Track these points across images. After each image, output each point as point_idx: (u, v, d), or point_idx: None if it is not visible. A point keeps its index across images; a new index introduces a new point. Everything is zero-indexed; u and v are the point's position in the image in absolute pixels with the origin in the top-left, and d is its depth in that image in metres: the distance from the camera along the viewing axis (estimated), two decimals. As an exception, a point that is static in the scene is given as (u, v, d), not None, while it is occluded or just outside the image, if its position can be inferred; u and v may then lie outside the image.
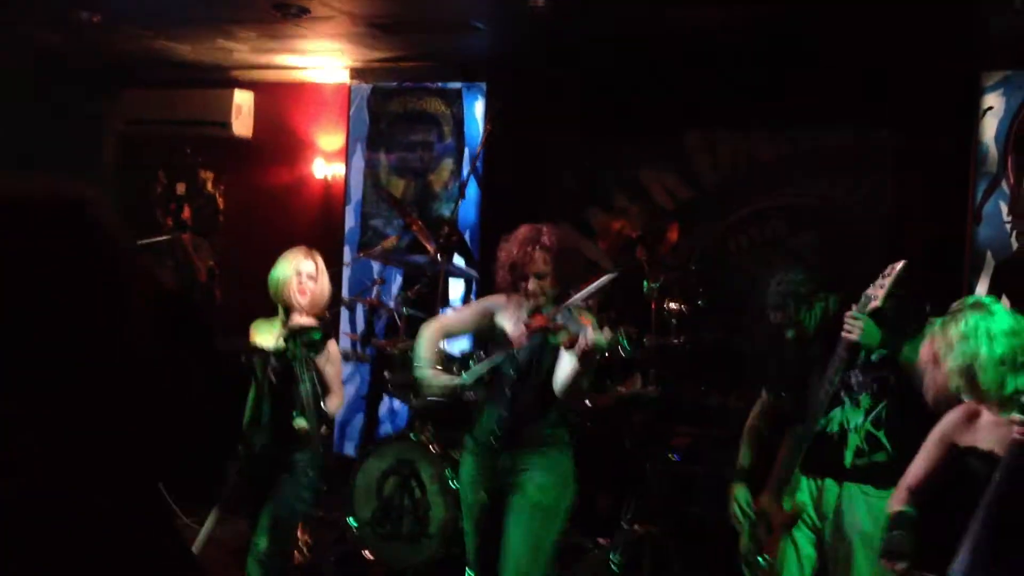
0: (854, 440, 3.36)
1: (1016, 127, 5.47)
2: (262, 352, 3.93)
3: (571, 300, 3.41)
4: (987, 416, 2.69)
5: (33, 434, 1.64)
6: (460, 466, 3.68)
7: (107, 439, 1.73)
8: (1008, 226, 5.51)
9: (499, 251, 3.59)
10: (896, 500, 2.86)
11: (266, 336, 3.98)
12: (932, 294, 5.44)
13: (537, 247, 3.45)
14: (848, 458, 3.36)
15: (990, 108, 5.53)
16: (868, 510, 3.28)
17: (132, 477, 1.79)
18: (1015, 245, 5.48)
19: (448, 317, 3.89)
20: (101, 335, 1.70)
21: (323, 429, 3.97)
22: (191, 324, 1.96)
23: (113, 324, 1.71)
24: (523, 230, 3.54)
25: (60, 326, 1.64)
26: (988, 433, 2.66)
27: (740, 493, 3.60)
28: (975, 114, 5.55)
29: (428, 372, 3.59)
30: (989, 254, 5.53)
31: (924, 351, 2.78)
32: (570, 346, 3.25)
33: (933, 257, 5.55)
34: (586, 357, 3.19)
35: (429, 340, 3.65)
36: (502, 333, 3.57)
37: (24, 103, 7.27)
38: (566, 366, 3.35)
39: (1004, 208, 5.52)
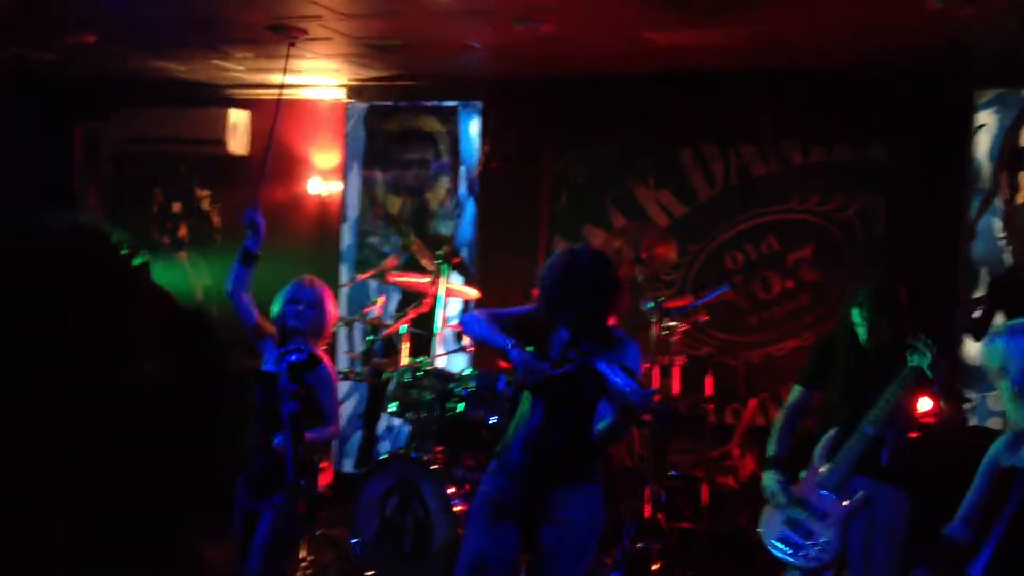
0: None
1: (1008, 144, 5.55)
2: (263, 376, 3.94)
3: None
4: None
5: (46, 450, 1.65)
6: (481, 484, 3.51)
7: (120, 457, 1.75)
8: (1002, 242, 5.58)
9: (537, 281, 3.34)
10: (951, 527, 2.95)
11: (267, 360, 4.00)
12: (928, 311, 5.54)
13: (577, 278, 3.22)
14: (884, 458, 3.68)
15: (983, 125, 5.61)
16: (898, 506, 3.70)
17: (147, 495, 1.80)
18: (1009, 260, 5.55)
19: (497, 311, 3.53)
20: (117, 359, 1.72)
21: (298, 451, 3.85)
22: (208, 341, 1.98)
23: (127, 347, 1.74)
24: (560, 260, 3.31)
25: (77, 350, 1.66)
26: None
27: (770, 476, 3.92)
28: (968, 131, 5.62)
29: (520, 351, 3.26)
30: (984, 270, 5.60)
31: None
32: (610, 397, 3.03)
33: (927, 272, 5.62)
34: (623, 416, 3.00)
35: (490, 325, 3.38)
36: (544, 352, 3.35)
37: (17, 123, 7.27)
38: (606, 412, 3.14)
39: (998, 224, 5.58)
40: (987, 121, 5.61)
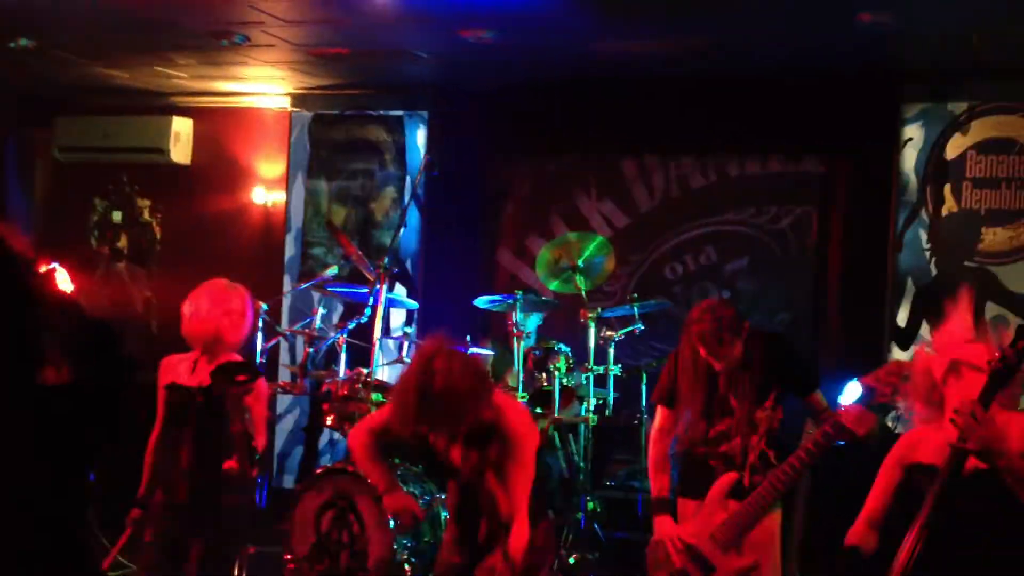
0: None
1: (934, 158, 5.71)
2: (184, 390, 3.83)
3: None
4: (933, 434, 2.74)
5: None
6: None
7: (17, 457, 1.75)
8: (927, 253, 5.74)
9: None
10: (853, 534, 2.86)
11: (181, 373, 3.87)
12: (855, 318, 5.69)
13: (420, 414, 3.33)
14: (747, 478, 3.52)
15: (910, 139, 5.76)
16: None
17: (38, 493, 1.79)
18: (934, 271, 5.71)
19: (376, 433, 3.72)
20: (15, 360, 1.72)
21: (254, 471, 3.83)
22: (113, 352, 1.98)
23: (27, 348, 1.74)
24: (409, 379, 3.34)
25: None
26: (933, 449, 2.72)
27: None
28: (897, 145, 5.76)
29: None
30: (910, 280, 5.75)
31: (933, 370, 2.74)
32: None
33: (856, 282, 5.76)
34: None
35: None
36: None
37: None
38: None
39: (924, 236, 5.74)
40: (914, 135, 5.76)
